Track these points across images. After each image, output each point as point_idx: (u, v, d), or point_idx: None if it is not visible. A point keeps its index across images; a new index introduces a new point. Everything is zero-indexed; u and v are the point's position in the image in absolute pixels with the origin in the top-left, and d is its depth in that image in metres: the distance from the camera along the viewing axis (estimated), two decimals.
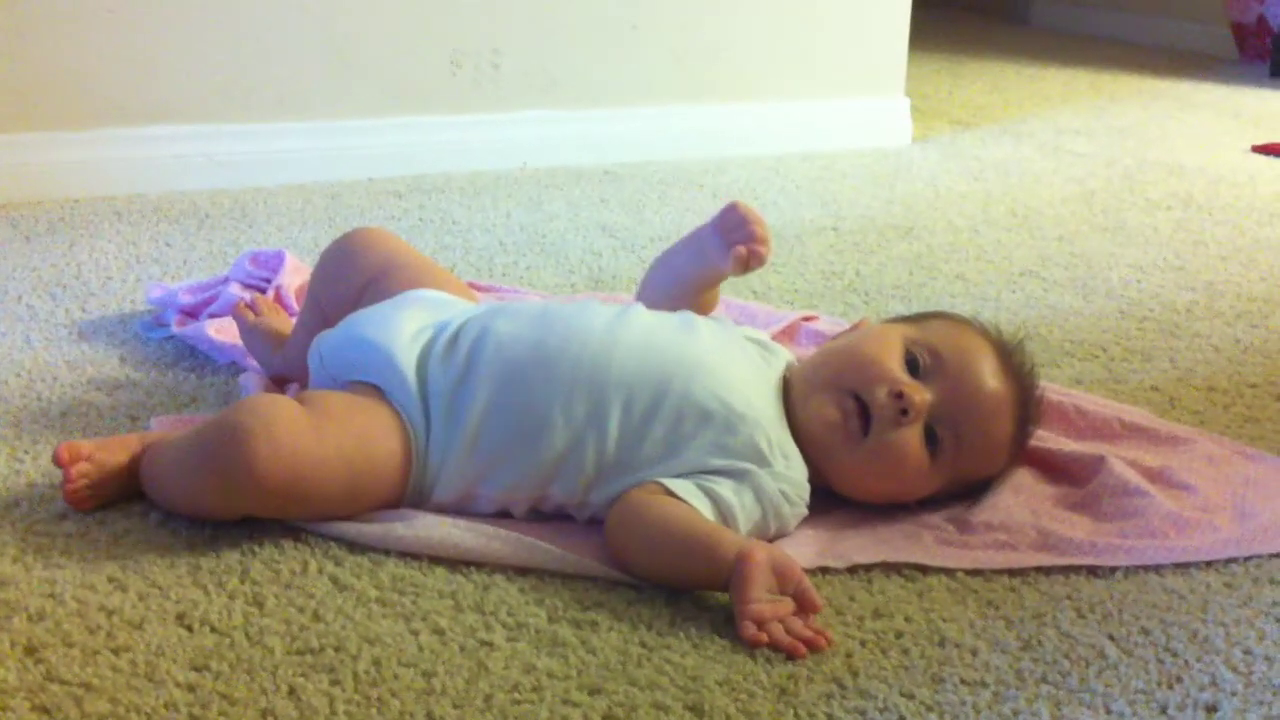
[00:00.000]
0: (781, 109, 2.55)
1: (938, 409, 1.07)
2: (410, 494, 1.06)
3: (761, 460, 1.05)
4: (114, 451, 1.08)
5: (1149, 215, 2.13)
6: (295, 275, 1.48)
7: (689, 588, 0.97)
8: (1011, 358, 1.13)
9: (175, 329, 1.42)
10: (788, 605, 0.92)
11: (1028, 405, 1.13)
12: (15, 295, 1.59)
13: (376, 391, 1.09)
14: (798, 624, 0.91)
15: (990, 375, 1.09)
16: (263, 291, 1.45)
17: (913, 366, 1.09)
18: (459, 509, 1.06)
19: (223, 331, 1.39)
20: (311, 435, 1.01)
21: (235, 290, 1.44)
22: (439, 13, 2.25)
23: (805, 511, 1.07)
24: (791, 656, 0.89)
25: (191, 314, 1.45)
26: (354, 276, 1.22)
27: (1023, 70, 3.73)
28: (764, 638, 0.90)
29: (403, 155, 2.27)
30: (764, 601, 0.92)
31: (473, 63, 2.30)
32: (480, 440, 1.05)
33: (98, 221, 1.93)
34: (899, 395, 1.06)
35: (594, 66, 2.39)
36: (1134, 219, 2.10)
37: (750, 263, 1.12)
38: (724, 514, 1.02)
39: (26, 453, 1.18)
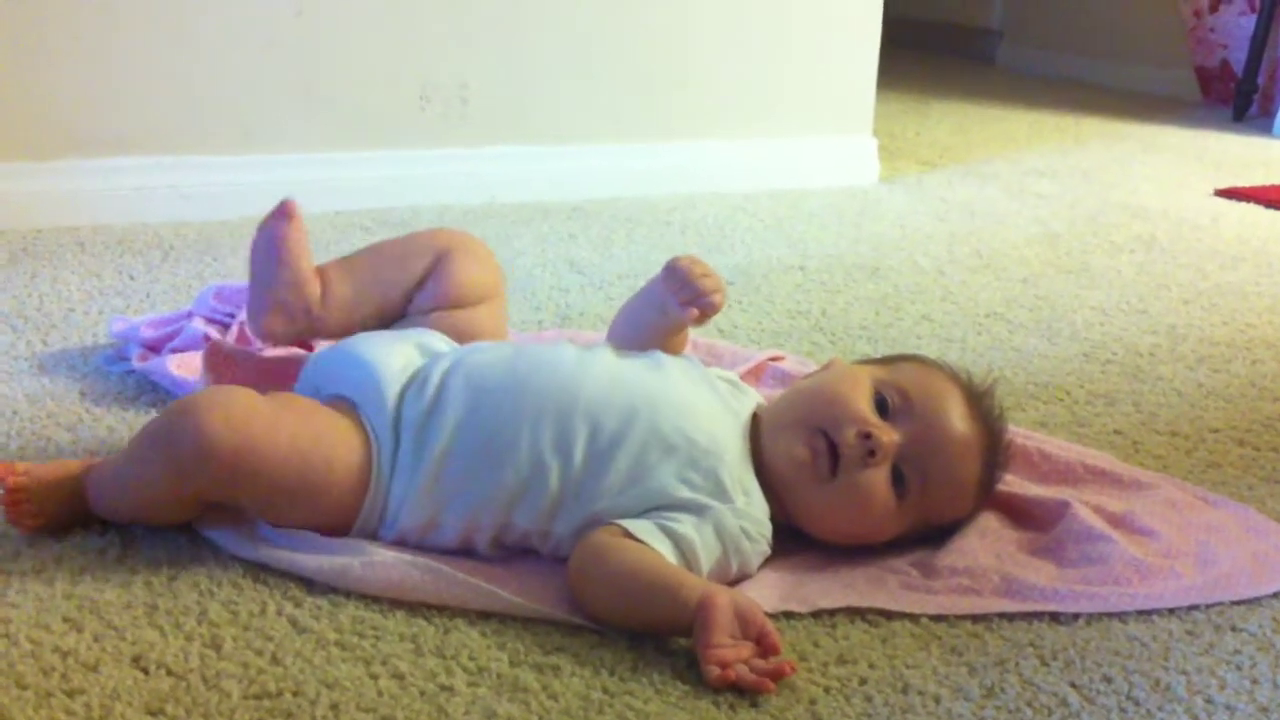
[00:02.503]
0: (750, 147, 2.56)
1: (905, 450, 1.07)
2: (365, 514, 1.05)
3: (723, 496, 1.05)
4: (53, 469, 1.09)
5: (1112, 258, 2.15)
6: None
7: (652, 632, 0.97)
8: (980, 402, 1.13)
9: (137, 364, 1.41)
10: (750, 649, 0.92)
11: (996, 449, 1.13)
12: None
13: (352, 409, 1.09)
14: (760, 663, 0.91)
15: (958, 418, 1.10)
16: (227, 326, 1.44)
17: (881, 407, 1.09)
18: (421, 539, 1.06)
19: (184, 366, 1.37)
20: (267, 418, 1.02)
21: (199, 325, 1.43)
22: (408, 47, 2.25)
23: (768, 550, 1.07)
24: (758, 693, 0.89)
25: (154, 348, 1.44)
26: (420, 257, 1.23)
27: (989, 111, 3.77)
28: (731, 676, 0.89)
29: (370, 189, 2.26)
30: (727, 645, 0.91)
31: (441, 97, 2.30)
32: (447, 463, 1.05)
33: (60, 252, 1.91)
34: (867, 436, 1.06)
35: (563, 102, 2.40)
36: (1097, 261, 2.12)
37: (705, 317, 1.13)
38: (685, 553, 1.01)
39: None
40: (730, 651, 0.91)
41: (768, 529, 1.07)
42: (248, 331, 1.44)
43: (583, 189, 2.41)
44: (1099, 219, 2.43)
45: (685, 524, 1.02)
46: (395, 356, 1.12)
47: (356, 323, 1.21)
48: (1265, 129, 3.66)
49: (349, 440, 1.06)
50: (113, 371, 1.44)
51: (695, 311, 1.12)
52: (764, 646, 0.92)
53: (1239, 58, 3.92)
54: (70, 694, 0.87)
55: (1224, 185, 2.79)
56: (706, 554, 1.02)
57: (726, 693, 0.90)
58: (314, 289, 1.20)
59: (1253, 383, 1.58)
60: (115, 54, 2.07)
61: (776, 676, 0.90)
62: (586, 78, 2.40)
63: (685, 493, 1.04)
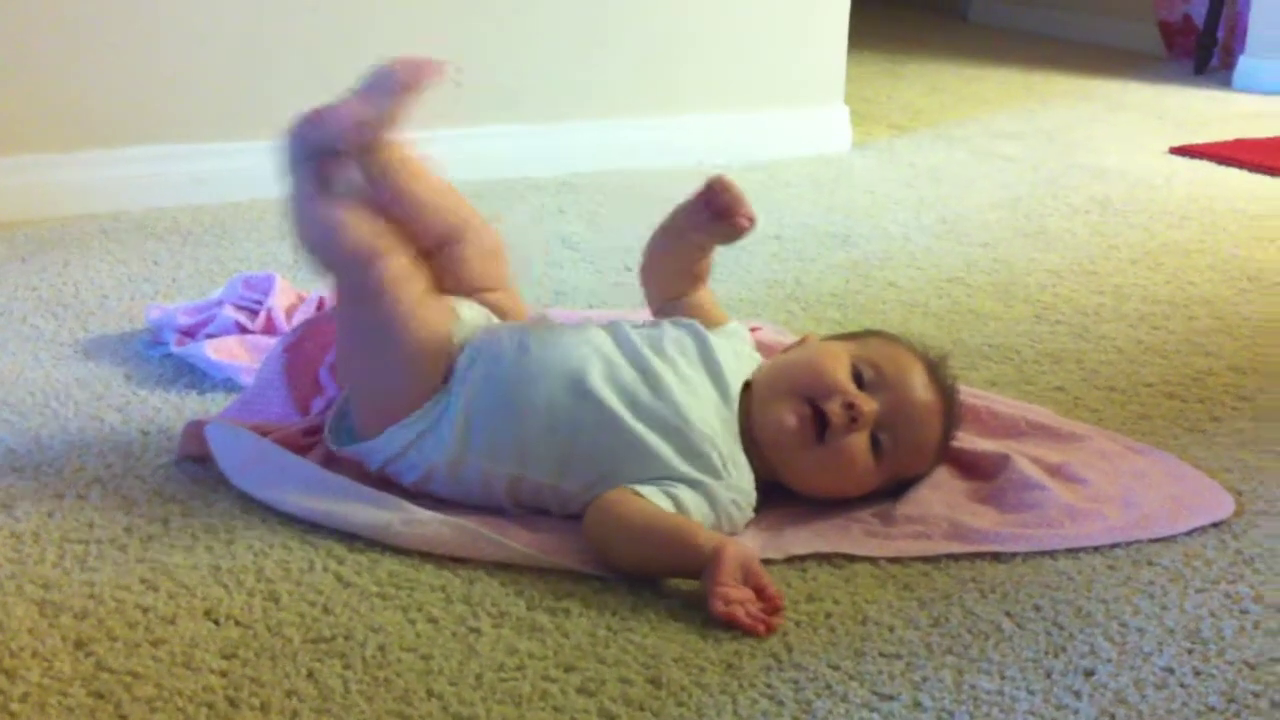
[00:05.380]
0: (728, 120, 2.71)
1: (881, 418, 1.23)
2: (426, 410, 1.22)
3: (715, 473, 1.20)
4: None
5: (1068, 220, 2.30)
6: (284, 296, 1.62)
7: (664, 575, 1.13)
8: (937, 372, 1.29)
9: (175, 348, 1.56)
10: (749, 593, 1.08)
11: (952, 413, 1.29)
12: (20, 315, 1.72)
13: None
14: (755, 608, 1.07)
15: (922, 388, 1.26)
16: (255, 313, 1.59)
17: (858, 380, 1.25)
18: (448, 477, 1.22)
19: (220, 351, 1.52)
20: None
21: (229, 312, 1.58)
22: (404, 35, 2.39)
23: (752, 515, 1.23)
24: (749, 633, 1.05)
25: (189, 334, 1.58)
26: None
27: (961, 71, 3.90)
28: (733, 612, 1.05)
29: None
30: (731, 587, 1.07)
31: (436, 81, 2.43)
32: (474, 409, 1.21)
33: (86, 240, 2.05)
34: (850, 405, 1.21)
35: (549, 83, 2.54)
36: (1054, 224, 2.27)
37: (738, 230, 1.31)
38: (682, 514, 1.17)
39: (50, 466, 1.31)
40: (735, 592, 1.07)
41: (753, 499, 1.23)
42: (274, 316, 1.59)
43: (570, 164, 2.55)
44: (1059, 181, 2.58)
45: (682, 490, 1.18)
46: (464, 314, 1.30)
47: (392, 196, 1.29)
48: (1225, 82, 3.80)
49: (443, 352, 1.24)
50: (152, 355, 1.59)
51: (744, 221, 1.30)
52: (763, 598, 1.08)
53: (1200, 12, 4.05)
54: (155, 644, 1.03)
55: (1181, 142, 2.93)
56: (700, 518, 1.18)
57: (714, 628, 1.06)
58: (394, 137, 1.29)
59: (1187, 339, 1.73)
60: (129, 50, 2.20)
61: (769, 627, 1.05)
62: (571, 59, 2.54)
63: (683, 468, 1.19)
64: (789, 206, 2.36)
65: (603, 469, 1.19)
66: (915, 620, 1.08)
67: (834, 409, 1.21)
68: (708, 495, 1.19)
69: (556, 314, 1.68)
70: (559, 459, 1.20)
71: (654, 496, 1.16)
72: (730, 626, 1.05)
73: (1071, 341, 1.71)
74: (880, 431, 1.23)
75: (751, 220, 1.30)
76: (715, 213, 1.30)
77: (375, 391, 1.24)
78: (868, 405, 1.22)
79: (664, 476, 1.19)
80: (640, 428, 1.19)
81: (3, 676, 0.98)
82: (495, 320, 1.34)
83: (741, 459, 1.22)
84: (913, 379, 1.26)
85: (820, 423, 1.22)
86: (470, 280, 1.36)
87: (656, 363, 1.24)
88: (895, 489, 1.28)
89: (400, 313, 1.21)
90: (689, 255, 1.36)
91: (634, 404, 1.20)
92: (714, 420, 1.23)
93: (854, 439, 1.22)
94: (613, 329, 1.29)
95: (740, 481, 1.21)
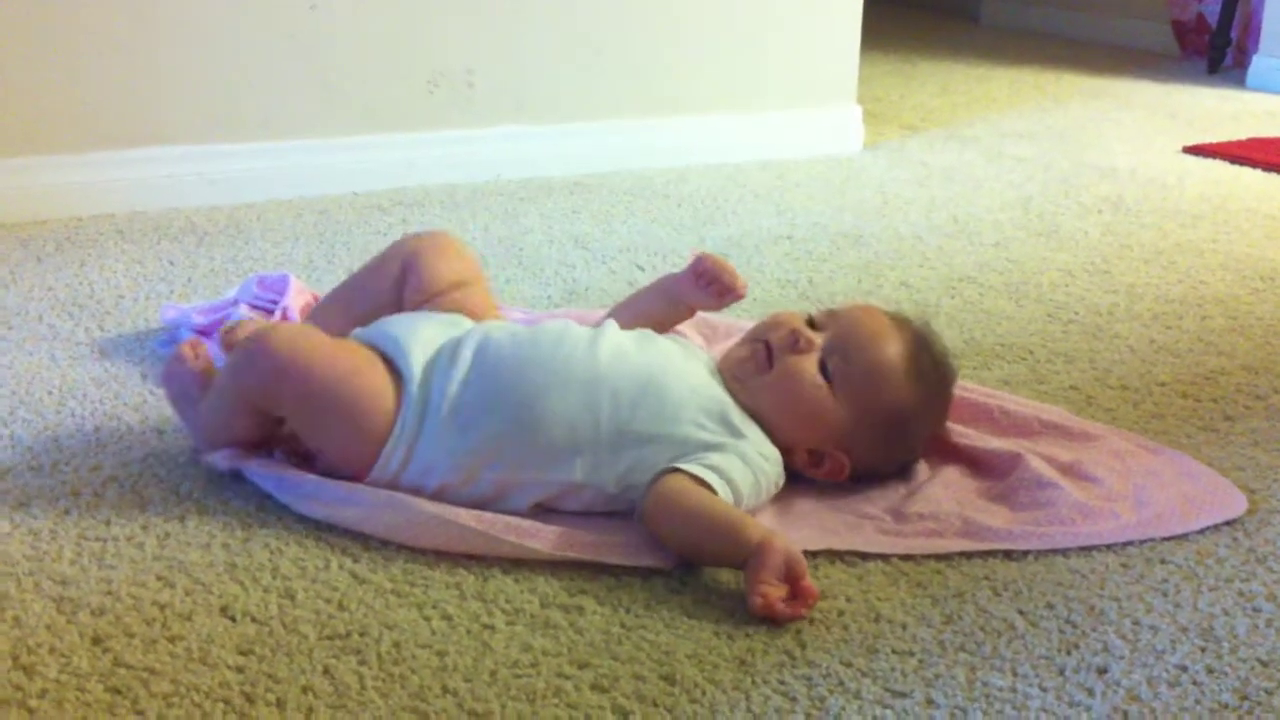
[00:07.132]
0: (740, 120, 2.71)
1: (829, 344, 1.28)
2: (386, 456, 1.22)
3: (735, 433, 1.23)
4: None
5: (1080, 220, 2.30)
6: (299, 297, 1.62)
7: (713, 564, 1.14)
8: (898, 317, 1.33)
9: None
10: (785, 590, 1.08)
11: (925, 341, 1.31)
12: (36, 315, 1.73)
13: (388, 365, 1.27)
14: (791, 603, 1.07)
15: (874, 316, 1.31)
16: (270, 313, 1.59)
17: (810, 325, 1.31)
18: (459, 490, 1.22)
19: None
20: (320, 343, 1.24)
21: (244, 311, 1.58)
22: (416, 36, 2.39)
23: (782, 471, 1.25)
24: (790, 621, 1.06)
25: (204, 333, 1.59)
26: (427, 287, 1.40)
27: (972, 71, 3.90)
28: (772, 607, 1.06)
29: (384, 170, 2.41)
30: (771, 584, 1.08)
31: (448, 82, 2.44)
32: (481, 426, 1.22)
33: (102, 240, 2.06)
34: (793, 331, 1.28)
35: (562, 84, 2.54)
36: (1066, 224, 2.27)
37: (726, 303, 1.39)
38: (727, 481, 1.18)
39: (67, 464, 1.32)
40: (773, 590, 1.08)
41: (778, 456, 1.25)
42: (289, 316, 1.59)
43: (583, 165, 2.56)
44: (1071, 181, 2.58)
45: (714, 456, 1.20)
46: (422, 330, 1.30)
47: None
48: (1238, 81, 3.80)
49: (383, 384, 1.24)
50: (168, 355, 1.59)
51: (722, 301, 1.38)
52: (803, 593, 1.08)
53: (1214, 10, 4.04)
54: (171, 640, 1.04)
55: (1194, 142, 2.92)
56: (742, 479, 1.20)
57: (726, 624, 1.07)
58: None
59: (1200, 338, 1.73)
60: (144, 52, 2.21)
61: (794, 614, 1.07)
62: (583, 60, 2.55)
63: (704, 435, 1.22)
64: (801, 206, 2.36)
65: (630, 457, 1.21)
66: (928, 618, 1.08)
67: (778, 339, 1.28)
68: (737, 453, 1.21)
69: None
70: (585, 459, 1.21)
71: (700, 471, 1.18)
72: (767, 620, 1.07)
73: (1084, 341, 1.71)
74: (830, 357, 1.27)
75: (735, 299, 1.38)
76: (706, 282, 1.37)
77: (337, 445, 1.24)
78: (809, 334, 1.28)
79: (691, 451, 1.21)
80: (656, 411, 1.22)
81: (21, 673, 0.99)
82: (467, 323, 1.35)
83: (754, 423, 1.25)
84: (862, 312, 1.32)
85: (770, 353, 1.28)
86: (434, 286, 1.39)
87: (656, 355, 1.28)
88: (891, 441, 1.29)
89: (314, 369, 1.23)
90: (677, 315, 1.43)
91: (645, 392, 1.23)
92: (719, 393, 1.26)
93: (798, 359, 1.27)
94: (604, 328, 1.31)
95: (759, 439, 1.24)
